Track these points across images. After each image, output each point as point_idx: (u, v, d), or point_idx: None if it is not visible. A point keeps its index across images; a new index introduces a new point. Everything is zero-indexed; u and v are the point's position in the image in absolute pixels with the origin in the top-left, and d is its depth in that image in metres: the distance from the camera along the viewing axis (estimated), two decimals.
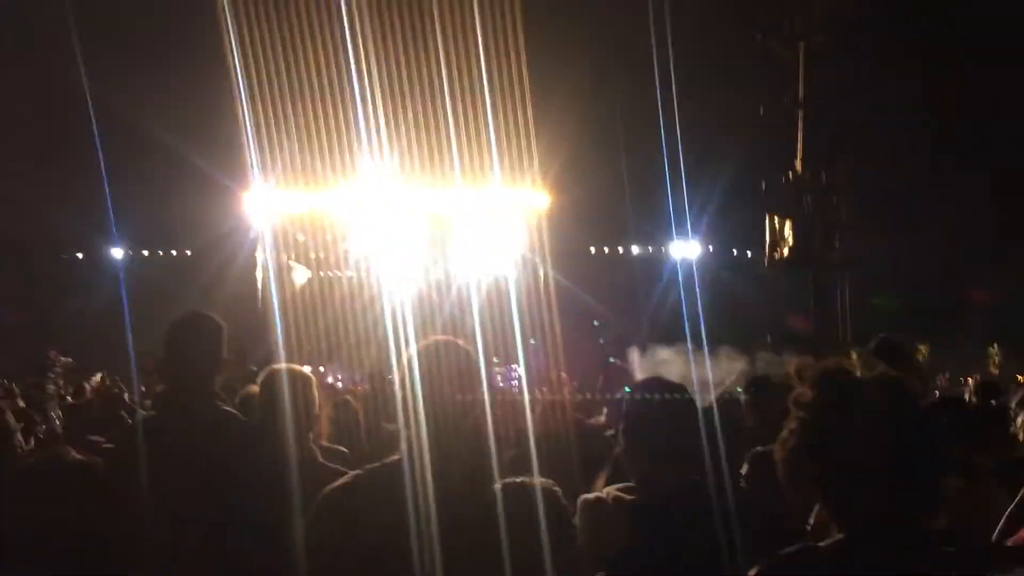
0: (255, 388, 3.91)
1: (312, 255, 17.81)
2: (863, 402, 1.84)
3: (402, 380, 2.47)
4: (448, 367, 2.45)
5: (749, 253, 20.43)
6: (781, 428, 1.93)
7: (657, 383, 2.96)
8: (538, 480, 2.37)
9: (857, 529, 1.82)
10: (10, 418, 2.84)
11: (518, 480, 2.33)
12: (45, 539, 2.00)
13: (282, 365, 3.61)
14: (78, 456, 2.23)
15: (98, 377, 9.73)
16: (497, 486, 2.31)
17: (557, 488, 2.40)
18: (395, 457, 2.48)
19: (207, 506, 2.90)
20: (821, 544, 1.87)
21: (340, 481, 2.51)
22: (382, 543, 2.30)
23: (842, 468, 1.81)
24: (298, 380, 3.54)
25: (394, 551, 2.27)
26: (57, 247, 22.64)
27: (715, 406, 3.81)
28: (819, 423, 1.85)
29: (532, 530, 2.23)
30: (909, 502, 1.80)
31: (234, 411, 3.49)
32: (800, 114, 17.15)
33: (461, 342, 2.60)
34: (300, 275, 17.07)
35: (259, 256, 17.50)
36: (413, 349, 2.50)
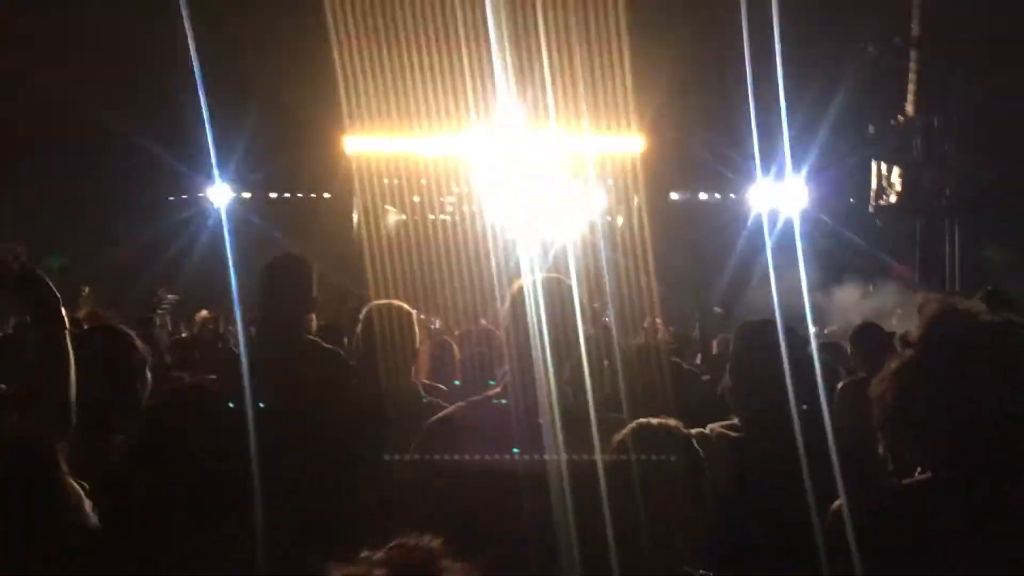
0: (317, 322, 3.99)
1: (409, 198, 17.98)
2: (972, 346, 1.72)
3: (512, 312, 2.47)
4: (555, 302, 2.44)
5: (852, 200, 19.71)
6: None
7: (764, 324, 2.93)
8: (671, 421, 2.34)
9: (944, 473, 1.72)
10: (143, 349, 2.96)
11: (649, 421, 2.30)
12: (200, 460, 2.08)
13: (385, 301, 3.63)
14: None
15: (203, 313, 10.03)
16: (628, 427, 2.30)
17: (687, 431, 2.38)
18: (496, 390, 2.51)
19: (300, 437, 2.97)
20: (906, 482, 1.79)
21: (443, 412, 2.55)
22: (484, 474, 2.32)
23: (937, 411, 1.70)
24: (401, 315, 3.56)
25: (495, 482, 2.29)
26: (164, 189, 23.35)
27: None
28: (922, 362, 1.74)
29: (662, 471, 2.21)
30: (1007, 454, 1.68)
31: (325, 344, 3.62)
32: (912, 54, 16.36)
33: (562, 279, 2.59)
34: (392, 218, 17.27)
35: (355, 200, 17.77)
36: (523, 283, 2.50)
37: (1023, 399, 1.69)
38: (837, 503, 1.81)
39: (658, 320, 9.88)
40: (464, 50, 14.08)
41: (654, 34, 16.07)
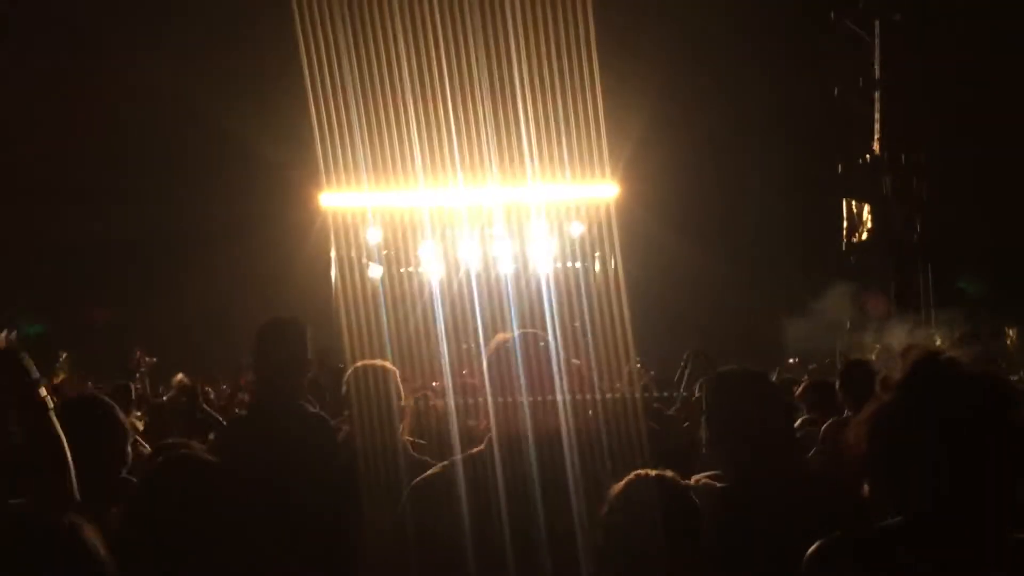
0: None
1: (385, 252, 17.98)
2: (951, 394, 1.74)
3: (490, 372, 2.50)
4: (532, 360, 2.47)
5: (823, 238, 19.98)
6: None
7: (740, 371, 2.94)
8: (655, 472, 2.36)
9: (915, 519, 1.74)
10: (125, 420, 2.96)
11: (647, 473, 2.31)
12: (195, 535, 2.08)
13: (369, 361, 3.63)
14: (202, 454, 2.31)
15: (179, 377, 9.95)
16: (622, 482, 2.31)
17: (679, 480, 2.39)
18: (480, 448, 2.53)
19: (293, 505, 2.97)
20: (883, 525, 1.80)
21: (431, 471, 2.56)
22: (473, 530, 2.33)
23: (910, 457, 1.73)
24: (387, 375, 3.56)
25: (484, 538, 2.30)
26: (137, 247, 23.28)
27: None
28: (900, 407, 1.76)
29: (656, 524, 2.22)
30: (979, 505, 1.71)
31: (320, 412, 3.64)
32: (877, 94, 16.71)
33: (540, 335, 2.62)
34: (375, 271, 17.24)
35: (332, 254, 17.75)
36: (498, 341, 2.53)
37: (1000, 448, 1.72)
38: (816, 545, 1.82)
39: (638, 365, 9.88)
40: (439, 103, 14.19)
41: (625, 81, 16.31)
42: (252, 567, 2.13)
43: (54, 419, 2.23)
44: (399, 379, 3.59)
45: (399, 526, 2.49)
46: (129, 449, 2.90)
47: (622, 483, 2.26)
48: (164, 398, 7.60)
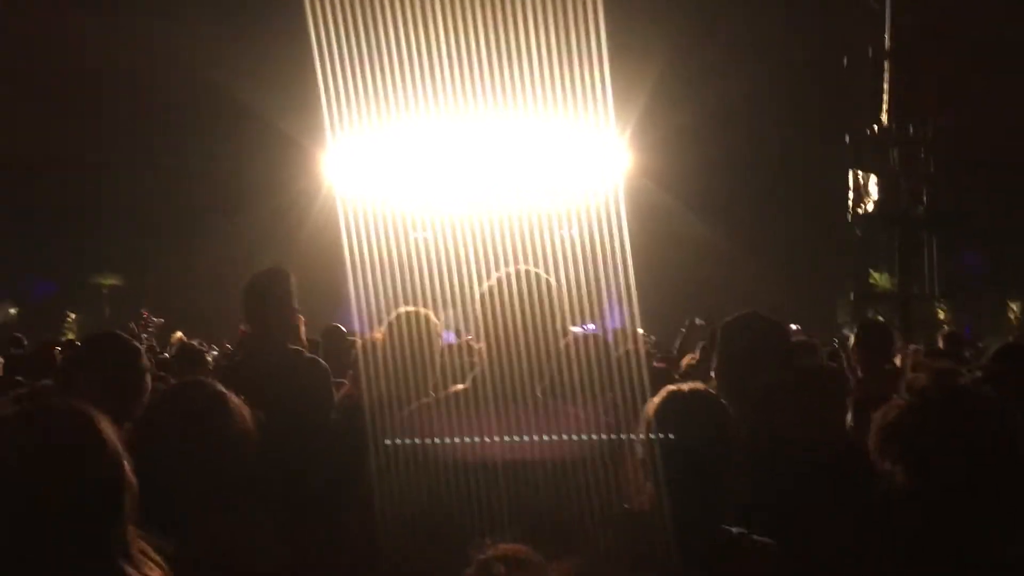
0: None
1: (392, 213, 17.93)
2: (963, 415, 2.01)
3: (484, 310, 2.50)
4: (530, 297, 2.47)
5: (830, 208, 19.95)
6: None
7: (756, 316, 2.97)
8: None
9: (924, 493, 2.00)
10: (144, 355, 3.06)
11: (680, 387, 2.33)
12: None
13: (405, 308, 3.55)
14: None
15: (178, 335, 10.02)
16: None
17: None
18: (463, 386, 2.54)
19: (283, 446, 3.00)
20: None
21: (410, 408, 2.58)
22: (451, 471, 2.36)
23: (922, 463, 1.99)
24: (430, 323, 3.49)
25: (462, 479, 2.33)
26: (145, 213, 23.33)
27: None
28: (919, 413, 2.03)
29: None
30: (977, 523, 1.93)
31: (316, 357, 3.71)
32: (887, 65, 16.60)
33: (541, 273, 2.58)
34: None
35: (340, 217, 17.73)
36: (495, 278, 2.52)
37: (992, 470, 1.97)
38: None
39: (640, 331, 9.91)
40: (444, 70, 14.12)
41: (633, 51, 16.21)
42: (244, 494, 2.20)
43: None
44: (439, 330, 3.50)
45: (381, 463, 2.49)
46: (148, 384, 2.96)
47: (658, 399, 2.26)
48: (167, 355, 7.70)
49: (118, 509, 1.62)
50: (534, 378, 2.45)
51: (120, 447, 1.66)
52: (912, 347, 6.28)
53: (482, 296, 2.52)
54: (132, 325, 12.82)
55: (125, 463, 1.65)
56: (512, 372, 2.45)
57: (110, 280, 22.60)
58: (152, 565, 1.69)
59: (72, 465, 1.59)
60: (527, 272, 2.53)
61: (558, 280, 2.62)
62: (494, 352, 2.47)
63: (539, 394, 2.46)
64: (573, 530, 2.21)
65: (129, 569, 1.62)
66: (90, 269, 22.82)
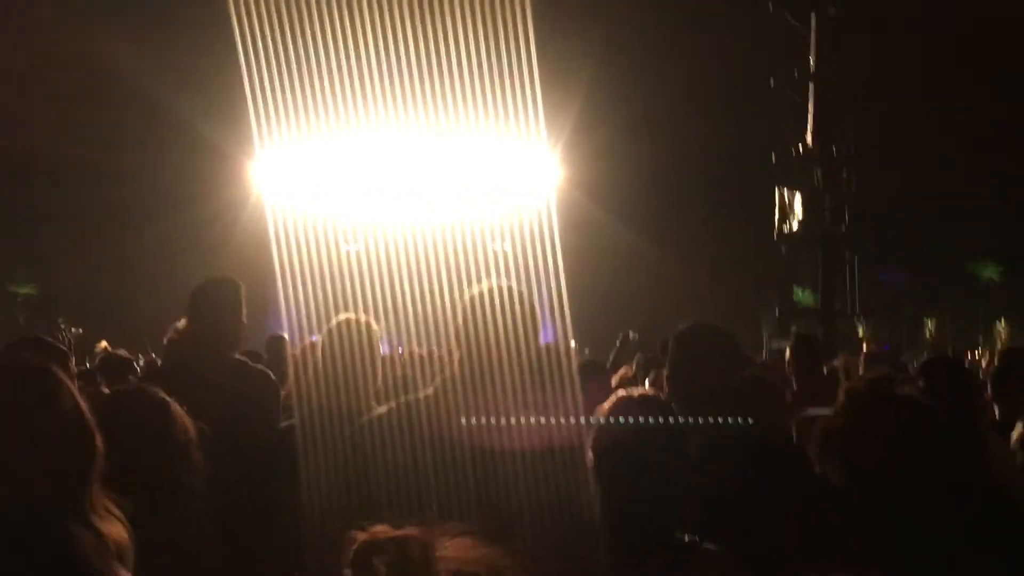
0: None
1: (322, 224, 17.75)
2: (894, 422, 2.07)
3: (465, 320, 2.49)
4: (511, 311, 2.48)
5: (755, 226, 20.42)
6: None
7: (709, 325, 3.01)
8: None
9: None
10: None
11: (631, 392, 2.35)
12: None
13: (353, 315, 3.48)
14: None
15: (103, 344, 9.74)
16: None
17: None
18: (429, 391, 2.52)
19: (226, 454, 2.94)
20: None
21: (376, 412, 2.56)
22: (411, 472, 2.34)
23: (857, 466, 2.05)
24: (371, 331, 3.43)
25: (420, 480, 2.31)
26: (64, 219, 22.67)
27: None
28: (856, 417, 2.10)
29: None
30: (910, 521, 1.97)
31: (264, 368, 3.64)
32: (811, 86, 17.02)
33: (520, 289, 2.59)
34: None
35: (269, 227, 17.48)
36: (469, 295, 2.53)
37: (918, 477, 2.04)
38: None
39: (572, 343, 9.96)
40: (373, 78, 14.02)
41: (564, 64, 16.35)
42: (190, 497, 2.17)
43: None
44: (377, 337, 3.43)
45: (345, 463, 2.47)
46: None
47: (608, 404, 2.31)
48: (88, 366, 7.44)
49: (90, 467, 1.74)
50: (506, 387, 2.44)
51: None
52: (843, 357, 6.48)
53: (467, 303, 2.51)
54: (51, 336, 12.40)
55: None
56: (486, 381, 2.43)
57: (25, 289, 21.92)
58: (114, 520, 1.81)
59: (54, 419, 1.70)
60: (509, 288, 2.54)
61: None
62: (472, 361, 2.45)
63: (510, 402, 2.45)
64: (530, 529, 2.20)
65: (96, 520, 1.74)
66: (3, 277, 22.07)
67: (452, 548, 1.23)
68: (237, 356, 3.64)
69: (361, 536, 1.26)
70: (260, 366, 3.79)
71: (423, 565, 1.21)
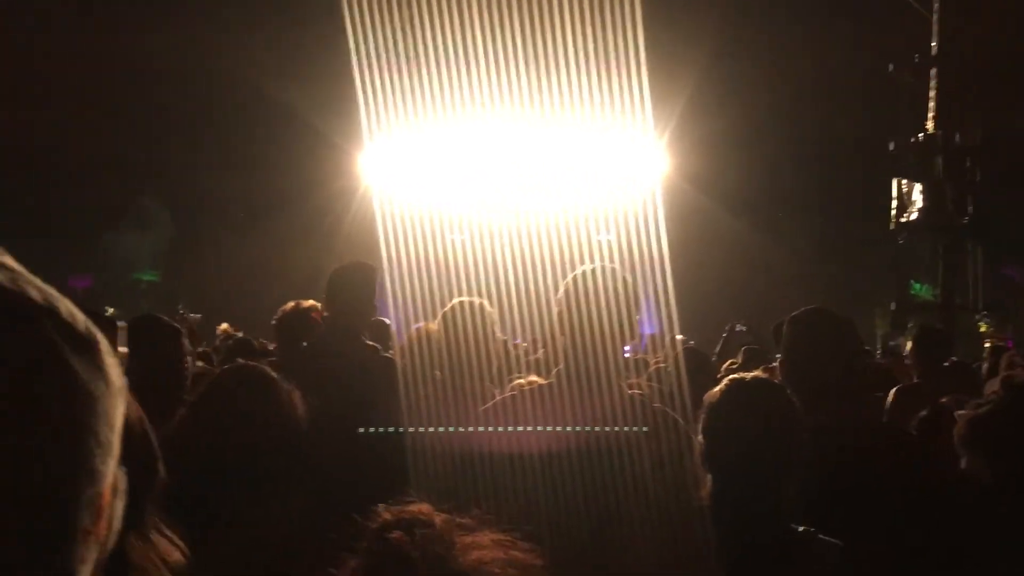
0: None
1: (428, 214, 17.97)
2: None
3: (567, 300, 2.48)
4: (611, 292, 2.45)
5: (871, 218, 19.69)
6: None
7: (820, 312, 2.92)
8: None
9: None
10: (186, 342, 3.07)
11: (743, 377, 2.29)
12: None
13: (460, 298, 3.49)
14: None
15: (224, 326, 10.03)
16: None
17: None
18: (551, 380, 2.52)
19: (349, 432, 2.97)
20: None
21: (501, 397, 2.58)
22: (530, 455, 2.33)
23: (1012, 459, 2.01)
24: (486, 313, 3.44)
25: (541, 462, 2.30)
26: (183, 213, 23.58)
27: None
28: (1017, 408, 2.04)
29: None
30: None
31: (388, 354, 3.73)
32: (933, 71, 16.29)
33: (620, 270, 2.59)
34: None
35: (377, 218, 17.80)
36: (572, 275, 2.52)
37: None
38: None
39: (679, 336, 9.81)
40: (481, 72, 14.07)
41: (673, 54, 16.08)
42: (299, 481, 2.15)
43: None
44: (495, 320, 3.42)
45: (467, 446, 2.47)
46: (188, 369, 2.96)
47: (720, 388, 2.20)
48: (209, 348, 7.71)
49: (152, 485, 1.55)
50: (611, 373, 2.42)
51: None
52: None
53: (570, 283, 2.50)
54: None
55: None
56: (592, 367, 2.41)
57: (148, 276, 22.95)
58: (171, 546, 1.63)
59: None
60: (612, 269, 2.52)
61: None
62: (575, 349, 2.44)
63: (617, 389, 2.43)
64: (630, 521, 2.16)
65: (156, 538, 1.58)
66: (129, 267, 23.14)
67: (486, 542, 1.21)
68: (369, 343, 3.77)
69: (384, 513, 1.26)
70: (387, 354, 3.87)
71: (438, 550, 1.18)
